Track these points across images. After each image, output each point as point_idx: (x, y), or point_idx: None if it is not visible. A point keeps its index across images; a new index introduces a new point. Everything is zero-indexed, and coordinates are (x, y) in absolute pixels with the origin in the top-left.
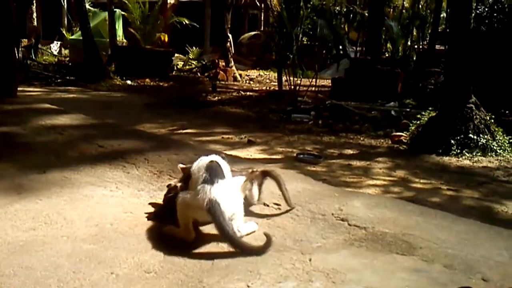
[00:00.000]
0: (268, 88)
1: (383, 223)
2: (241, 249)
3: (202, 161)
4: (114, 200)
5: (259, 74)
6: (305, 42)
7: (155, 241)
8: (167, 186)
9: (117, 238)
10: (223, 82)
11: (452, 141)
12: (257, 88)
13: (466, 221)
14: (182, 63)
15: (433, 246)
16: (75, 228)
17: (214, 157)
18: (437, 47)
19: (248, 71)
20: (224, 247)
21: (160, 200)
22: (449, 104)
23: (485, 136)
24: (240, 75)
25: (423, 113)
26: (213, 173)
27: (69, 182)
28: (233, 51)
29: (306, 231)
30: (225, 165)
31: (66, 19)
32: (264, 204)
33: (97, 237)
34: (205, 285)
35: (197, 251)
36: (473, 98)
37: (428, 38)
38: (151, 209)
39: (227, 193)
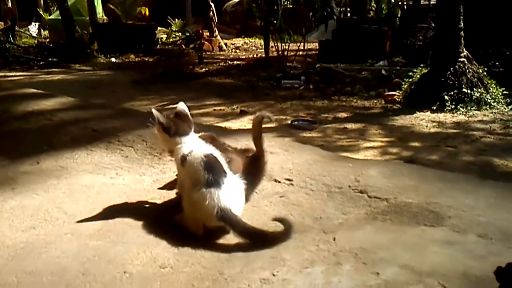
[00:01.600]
0: (255, 55)
1: (405, 193)
2: (266, 242)
3: (195, 152)
4: (116, 189)
5: (245, 42)
6: (289, 6)
7: (167, 232)
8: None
9: (125, 231)
10: (209, 53)
11: (446, 97)
12: (244, 57)
13: (491, 184)
14: (166, 36)
15: (462, 214)
16: (78, 224)
17: (201, 149)
18: (422, 2)
19: (233, 39)
20: None
21: (163, 183)
22: (440, 59)
23: (479, 90)
24: (226, 44)
25: (415, 70)
26: (215, 172)
27: (65, 172)
28: (216, 20)
29: (324, 207)
30: (218, 154)
31: None
32: (275, 180)
33: (103, 231)
34: (226, 277)
35: (212, 240)
36: (464, 52)
37: None
38: (157, 195)
39: (235, 193)
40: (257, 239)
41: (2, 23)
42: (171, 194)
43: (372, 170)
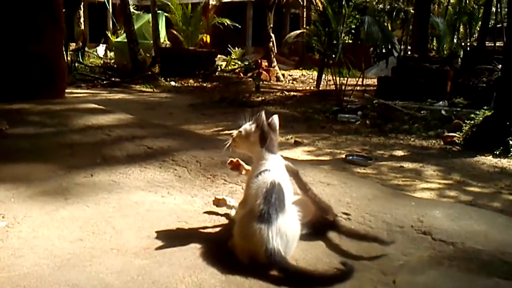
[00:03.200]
0: (311, 88)
1: (473, 238)
2: (319, 284)
3: (266, 174)
4: (166, 208)
5: (302, 74)
6: (348, 41)
7: (215, 257)
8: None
9: (172, 253)
10: (266, 82)
11: (511, 142)
12: (300, 88)
13: None
14: (225, 63)
15: None
16: (125, 240)
17: (276, 174)
18: (487, 44)
19: (291, 71)
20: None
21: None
22: (507, 102)
23: None
24: (283, 75)
25: (477, 112)
26: (273, 205)
27: (117, 187)
28: (275, 51)
29: (384, 246)
30: (287, 183)
31: (111, 22)
32: None
33: (149, 250)
34: None
35: (264, 270)
36: None
37: (476, 35)
38: (207, 218)
39: (288, 232)
40: (309, 283)
41: (74, 44)
42: (222, 218)
43: (437, 211)
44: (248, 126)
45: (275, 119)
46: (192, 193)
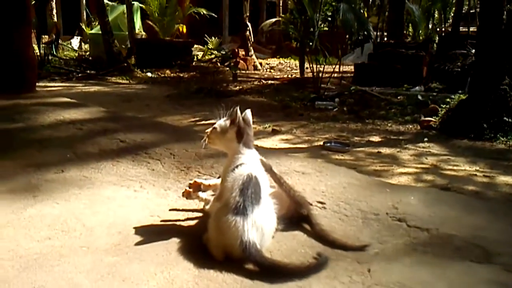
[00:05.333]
0: (289, 76)
1: (448, 224)
2: (294, 277)
3: (242, 168)
4: (139, 202)
5: (279, 62)
6: (324, 28)
7: (188, 251)
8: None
9: (144, 249)
10: (243, 72)
11: (485, 125)
12: (278, 76)
13: None
14: (202, 53)
15: None
16: (95, 237)
17: (252, 168)
18: (461, 29)
19: (268, 59)
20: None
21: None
22: (480, 86)
23: None
24: (260, 63)
25: (452, 96)
26: (247, 198)
27: (89, 182)
28: (252, 40)
29: (359, 234)
30: (263, 176)
31: (85, 14)
32: None
33: (120, 247)
34: None
35: (237, 264)
36: (506, 80)
37: (450, 20)
38: (180, 211)
39: (264, 223)
40: (284, 275)
41: (47, 36)
42: (196, 212)
43: (412, 197)
44: (223, 122)
45: (248, 113)
46: (166, 186)
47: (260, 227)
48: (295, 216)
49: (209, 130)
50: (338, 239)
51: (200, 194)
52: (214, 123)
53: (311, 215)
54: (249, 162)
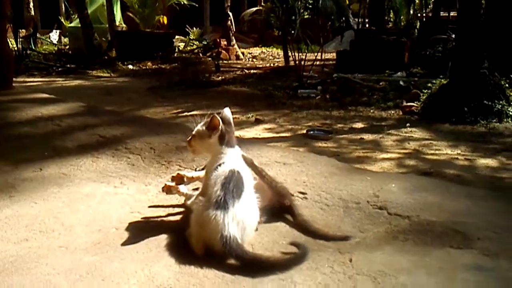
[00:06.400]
0: (272, 65)
1: (428, 210)
2: (275, 270)
3: (224, 166)
4: (119, 198)
5: (262, 51)
6: (306, 16)
7: (169, 248)
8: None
9: (124, 246)
10: (226, 61)
11: (466, 109)
12: (261, 66)
13: None
14: (183, 44)
15: (493, 236)
16: (74, 236)
17: (235, 164)
18: (441, 14)
19: (251, 48)
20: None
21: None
22: (461, 71)
23: (500, 102)
24: (243, 53)
25: (434, 81)
26: (229, 192)
27: (68, 180)
28: (234, 30)
29: (340, 223)
30: (246, 172)
31: (63, 7)
32: None
33: (100, 245)
34: None
35: (218, 259)
36: (486, 63)
37: (431, 6)
38: (161, 207)
39: (245, 217)
40: (265, 268)
41: (24, 30)
42: (177, 208)
43: (393, 185)
44: (201, 127)
45: (226, 112)
46: (146, 182)
47: (241, 221)
48: (277, 208)
49: (188, 139)
50: (320, 229)
51: (181, 188)
52: (196, 115)
53: (293, 206)
54: (231, 159)
